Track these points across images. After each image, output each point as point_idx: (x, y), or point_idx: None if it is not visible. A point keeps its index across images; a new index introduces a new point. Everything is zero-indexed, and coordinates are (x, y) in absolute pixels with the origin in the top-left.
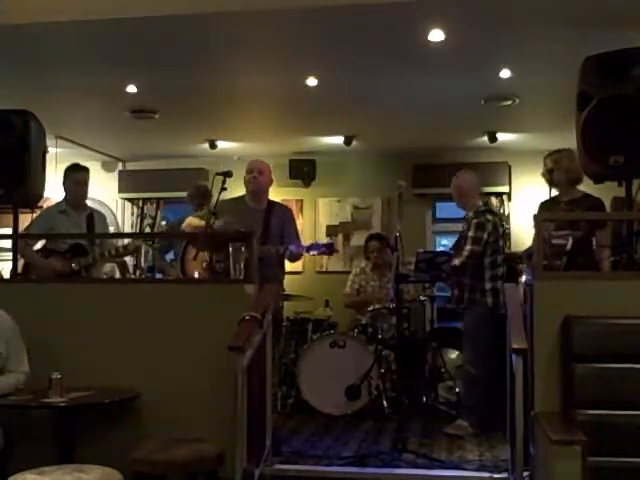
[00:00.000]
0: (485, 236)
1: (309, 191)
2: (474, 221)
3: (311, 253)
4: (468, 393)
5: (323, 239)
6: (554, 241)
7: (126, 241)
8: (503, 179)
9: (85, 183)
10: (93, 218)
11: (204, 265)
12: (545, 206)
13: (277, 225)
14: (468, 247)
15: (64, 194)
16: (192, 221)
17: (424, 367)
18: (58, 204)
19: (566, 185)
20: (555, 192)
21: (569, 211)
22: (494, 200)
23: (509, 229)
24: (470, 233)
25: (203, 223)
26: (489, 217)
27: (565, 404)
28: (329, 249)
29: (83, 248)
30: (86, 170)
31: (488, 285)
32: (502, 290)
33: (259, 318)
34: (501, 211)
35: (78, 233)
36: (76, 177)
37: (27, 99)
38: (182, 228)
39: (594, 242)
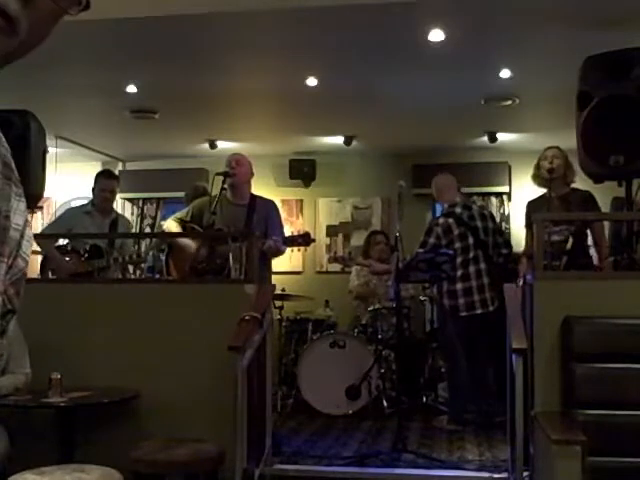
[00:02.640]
0: (431, 240)
1: (309, 191)
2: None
3: (287, 246)
4: (448, 391)
5: (323, 239)
6: (552, 238)
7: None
8: (503, 179)
9: (111, 191)
10: (117, 223)
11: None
12: (535, 204)
13: (260, 220)
14: (416, 249)
15: (92, 196)
16: (170, 226)
17: (424, 367)
18: (85, 205)
19: (563, 182)
20: (542, 190)
21: (562, 205)
22: (494, 200)
23: (509, 229)
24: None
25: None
26: (440, 220)
27: (565, 404)
28: (305, 240)
29: (100, 250)
30: (115, 178)
31: (445, 287)
32: (465, 292)
33: (259, 318)
34: (501, 211)
35: (88, 233)
36: (104, 184)
37: (27, 99)
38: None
39: (589, 237)
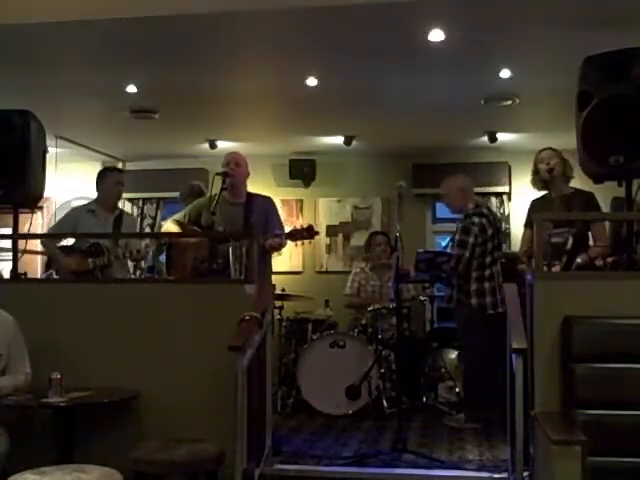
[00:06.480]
0: (471, 239)
1: (309, 191)
2: (460, 225)
3: (291, 240)
4: (465, 389)
5: (323, 239)
6: (553, 240)
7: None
8: (503, 179)
9: (123, 184)
10: (121, 219)
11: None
12: (538, 204)
13: (259, 217)
14: (454, 251)
15: (97, 195)
16: (169, 227)
17: (424, 367)
18: (88, 203)
19: (563, 181)
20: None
21: (564, 206)
22: (494, 200)
23: (509, 229)
24: (456, 237)
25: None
26: (475, 220)
27: (565, 404)
28: (309, 233)
29: (100, 248)
30: (122, 171)
31: (473, 286)
32: (491, 291)
33: (259, 318)
34: (501, 211)
35: (89, 233)
36: (117, 177)
37: (27, 99)
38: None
39: (590, 238)
